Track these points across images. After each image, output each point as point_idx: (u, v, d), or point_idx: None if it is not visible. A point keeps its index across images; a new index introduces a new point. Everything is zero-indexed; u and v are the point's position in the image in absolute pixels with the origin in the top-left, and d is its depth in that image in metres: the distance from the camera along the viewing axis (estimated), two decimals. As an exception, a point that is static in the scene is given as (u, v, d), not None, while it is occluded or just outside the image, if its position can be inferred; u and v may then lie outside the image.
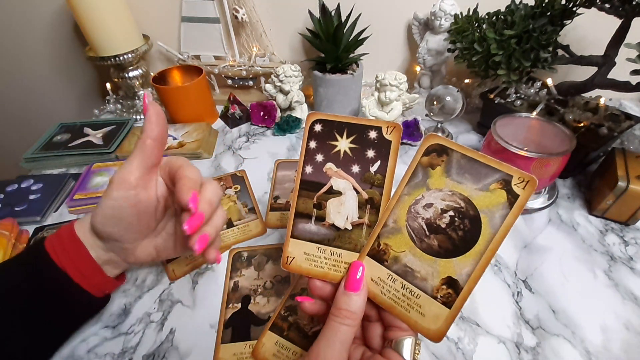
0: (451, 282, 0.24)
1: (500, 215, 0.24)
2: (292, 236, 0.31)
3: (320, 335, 0.24)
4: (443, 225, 0.25)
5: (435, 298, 0.24)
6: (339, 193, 0.30)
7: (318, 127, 0.31)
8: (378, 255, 0.27)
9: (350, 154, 0.30)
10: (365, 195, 0.29)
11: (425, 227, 0.26)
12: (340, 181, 0.30)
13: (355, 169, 0.30)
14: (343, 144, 0.30)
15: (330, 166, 0.31)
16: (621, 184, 0.42)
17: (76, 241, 0.31)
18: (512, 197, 0.23)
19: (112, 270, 0.34)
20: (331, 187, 0.30)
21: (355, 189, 0.30)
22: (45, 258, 0.30)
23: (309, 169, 0.31)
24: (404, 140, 0.60)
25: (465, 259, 0.24)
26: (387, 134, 0.29)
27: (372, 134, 0.30)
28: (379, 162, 0.29)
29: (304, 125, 0.32)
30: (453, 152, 0.26)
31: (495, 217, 0.24)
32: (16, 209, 0.50)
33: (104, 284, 0.34)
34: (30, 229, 0.48)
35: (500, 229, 0.23)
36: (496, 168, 0.24)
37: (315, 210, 0.30)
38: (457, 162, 0.26)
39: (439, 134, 0.62)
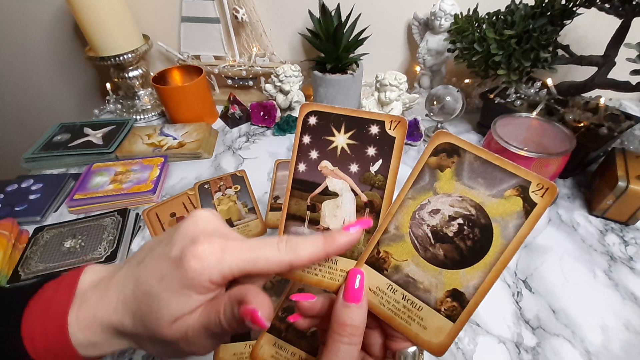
0: (457, 295, 0.22)
1: (514, 225, 0.22)
2: None
3: (324, 358, 0.22)
4: (450, 234, 0.23)
5: (438, 311, 0.23)
6: (335, 194, 0.27)
7: (313, 120, 0.27)
8: (377, 263, 0.25)
9: (349, 151, 0.27)
10: (364, 198, 0.27)
11: (430, 235, 0.24)
12: (337, 181, 0.27)
13: (354, 168, 0.27)
14: (340, 140, 0.27)
15: (325, 164, 0.27)
16: (621, 184, 0.42)
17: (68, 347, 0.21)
18: (529, 206, 0.21)
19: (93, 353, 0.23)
20: (326, 187, 0.27)
21: (353, 190, 0.27)
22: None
23: (302, 167, 0.28)
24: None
25: (474, 270, 0.22)
26: (390, 129, 0.26)
27: (374, 129, 0.26)
28: (380, 161, 0.26)
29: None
30: (465, 153, 0.23)
31: (508, 226, 0.22)
32: (16, 209, 0.50)
33: None
34: (30, 229, 0.48)
35: (514, 240, 0.21)
36: (513, 173, 0.22)
37: (308, 212, 0.28)
38: (469, 165, 0.23)
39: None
